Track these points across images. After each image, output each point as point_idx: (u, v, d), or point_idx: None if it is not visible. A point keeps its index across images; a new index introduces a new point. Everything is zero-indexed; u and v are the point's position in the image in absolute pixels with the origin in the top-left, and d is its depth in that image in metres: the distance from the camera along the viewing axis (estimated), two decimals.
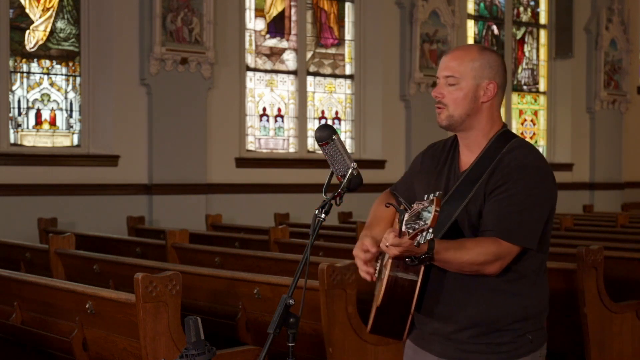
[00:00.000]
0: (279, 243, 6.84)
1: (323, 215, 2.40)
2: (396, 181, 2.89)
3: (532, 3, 12.85)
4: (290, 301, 2.32)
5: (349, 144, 10.73)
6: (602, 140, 12.97)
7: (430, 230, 2.11)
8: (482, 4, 12.22)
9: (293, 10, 10.44)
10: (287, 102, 10.43)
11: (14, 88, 8.66)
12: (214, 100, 9.48)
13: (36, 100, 8.81)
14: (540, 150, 12.74)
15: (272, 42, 10.35)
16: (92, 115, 8.96)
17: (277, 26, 10.35)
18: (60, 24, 8.91)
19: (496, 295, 2.52)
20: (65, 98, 8.95)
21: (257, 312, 4.55)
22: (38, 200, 8.42)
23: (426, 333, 2.62)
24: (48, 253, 6.05)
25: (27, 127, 8.76)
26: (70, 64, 8.97)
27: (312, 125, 10.53)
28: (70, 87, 8.96)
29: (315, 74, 10.67)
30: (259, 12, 10.22)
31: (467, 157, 2.62)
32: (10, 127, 8.61)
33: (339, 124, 10.82)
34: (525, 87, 12.85)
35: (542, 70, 12.95)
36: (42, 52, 8.83)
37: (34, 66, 8.80)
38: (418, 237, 2.13)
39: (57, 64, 8.90)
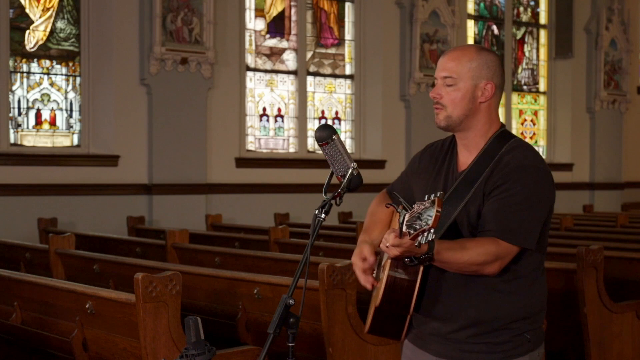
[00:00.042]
0: (279, 243, 6.84)
1: (323, 215, 2.41)
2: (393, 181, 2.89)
3: (532, 3, 12.85)
4: (290, 301, 2.32)
5: (349, 144, 10.73)
6: (602, 140, 12.97)
7: (432, 230, 2.11)
8: (482, 4, 12.22)
9: (293, 10, 10.44)
10: (287, 102, 10.43)
11: (14, 88, 8.66)
12: (214, 100, 9.48)
13: (36, 100, 8.81)
14: (540, 150, 12.76)
15: (272, 42, 10.35)
16: (92, 115, 8.96)
17: (277, 26, 10.36)
18: (60, 24, 8.91)
19: (494, 295, 2.52)
20: (65, 98, 8.95)
21: (257, 312, 4.55)
22: (38, 200, 8.42)
23: (424, 333, 2.62)
24: (48, 253, 6.05)
25: (27, 127, 8.76)
26: (70, 64, 8.97)
27: (312, 125, 10.53)
28: (70, 87, 8.96)
29: (315, 74, 10.67)
30: (259, 12, 10.22)
31: (466, 157, 2.63)
32: (10, 127, 8.61)
33: (339, 124, 10.82)
34: (525, 87, 12.85)
35: (542, 70, 12.96)
36: (42, 52, 8.83)
37: (34, 66, 8.80)
38: (419, 238, 2.13)
39: (57, 64, 8.90)
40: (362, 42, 10.83)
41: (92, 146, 8.97)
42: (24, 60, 8.74)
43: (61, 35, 8.92)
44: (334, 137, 2.44)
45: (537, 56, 12.92)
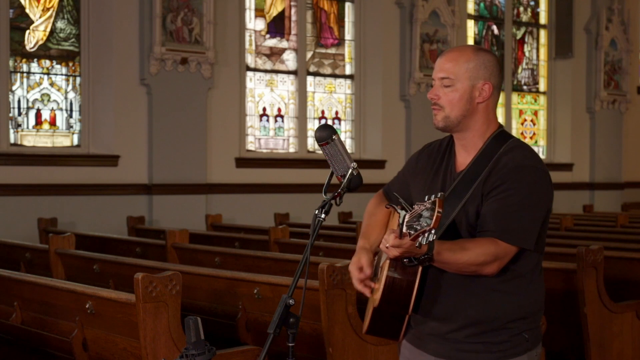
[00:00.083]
0: (279, 243, 6.84)
1: (323, 215, 2.41)
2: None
3: (532, 3, 12.85)
4: (290, 301, 2.33)
5: (349, 144, 10.74)
6: (602, 140, 12.97)
7: (433, 231, 2.11)
8: (482, 4, 12.22)
9: (293, 10, 10.44)
10: (287, 102, 10.43)
11: (14, 88, 8.66)
12: (214, 100, 9.48)
13: (36, 100, 8.81)
14: (540, 150, 12.76)
15: (272, 42, 10.35)
16: (92, 115, 8.96)
17: (277, 26, 10.36)
18: (60, 24, 8.91)
19: (493, 295, 2.53)
20: (65, 98, 8.95)
21: (257, 312, 4.55)
22: (38, 200, 8.43)
23: (423, 333, 2.63)
24: (48, 253, 6.05)
25: (27, 127, 8.76)
26: (70, 64, 8.97)
27: (312, 125, 10.53)
28: (70, 87, 8.96)
29: (315, 74, 10.67)
30: (259, 12, 10.22)
31: (464, 157, 2.63)
32: (10, 127, 8.61)
33: (339, 124, 10.82)
34: (525, 87, 12.84)
35: (542, 70, 12.95)
36: (42, 52, 8.83)
37: (34, 66, 8.80)
38: (419, 238, 2.13)
39: (57, 64, 8.90)
40: (362, 42, 10.83)
41: (92, 146, 8.97)
42: (24, 60, 8.74)
43: (61, 35, 8.92)
44: (334, 137, 2.45)
45: (537, 56, 12.91)
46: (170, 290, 3.76)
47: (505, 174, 2.50)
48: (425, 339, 2.63)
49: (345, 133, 10.81)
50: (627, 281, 5.50)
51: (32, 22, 8.77)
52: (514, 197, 2.47)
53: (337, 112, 10.83)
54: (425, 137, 2.88)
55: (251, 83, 10.13)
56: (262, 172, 9.92)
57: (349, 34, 10.88)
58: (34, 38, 8.79)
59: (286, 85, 10.41)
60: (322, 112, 10.72)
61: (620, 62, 12.90)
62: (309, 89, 10.60)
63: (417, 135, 10.56)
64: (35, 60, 8.80)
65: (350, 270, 2.59)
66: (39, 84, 8.82)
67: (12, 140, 8.62)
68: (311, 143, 10.47)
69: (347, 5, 10.86)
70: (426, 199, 2.16)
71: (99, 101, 8.95)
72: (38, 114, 8.82)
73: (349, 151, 2.48)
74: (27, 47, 8.75)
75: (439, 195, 2.15)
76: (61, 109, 8.93)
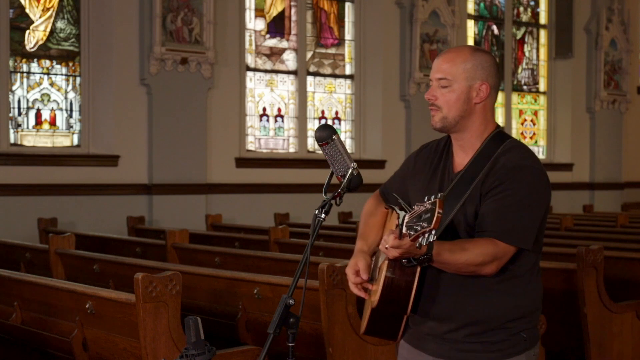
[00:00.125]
0: (279, 243, 6.84)
1: (323, 215, 2.41)
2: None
3: (532, 3, 12.85)
4: (290, 301, 2.33)
5: (349, 144, 10.74)
6: (602, 140, 12.97)
7: (433, 232, 2.11)
8: (482, 4, 12.22)
9: (293, 10, 10.44)
10: (287, 102, 10.43)
11: (14, 88, 8.66)
12: (214, 100, 9.48)
13: (36, 100, 8.81)
14: (540, 150, 12.77)
15: (272, 42, 10.35)
16: (92, 115, 8.96)
17: (277, 26, 10.36)
18: (60, 24, 8.91)
19: (491, 295, 2.53)
20: (65, 98, 8.95)
21: (257, 312, 4.55)
22: (38, 200, 8.43)
23: (421, 333, 2.63)
24: (48, 253, 6.05)
25: (27, 127, 8.76)
26: (70, 64, 8.97)
27: (312, 125, 10.53)
28: (70, 87, 8.96)
29: (315, 74, 10.67)
30: (259, 12, 10.22)
31: (461, 158, 2.63)
32: (10, 127, 8.61)
33: (339, 124, 10.82)
34: (525, 87, 12.84)
35: (542, 70, 12.96)
36: (42, 52, 8.83)
37: (34, 66, 8.81)
38: (420, 239, 2.13)
39: (57, 64, 8.90)
40: (362, 42, 10.83)
41: (92, 146, 8.97)
42: (24, 60, 8.74)
43: (61, 35, 8.92)
44: (334, 137, 2.45)
45: (537, 56, 12.92)
46: (170, 290, 3.76)
47: (503, 175, 2.50)
48: (423, 339, 2.63)
49: (345, 133, 10.81)
50: (627, 281, 5.50)
51: (32, 22, 8.77)
52: (512, 197, 2.47)
53: (337, 112, 10.83)
54: (425, 137, 2.88)
55: (251, 83, 10.13)
56: (262, 172, 9.92)
57: (349, 34, 10.88)
58: (34, 38, 8.79)
59: (286, 85, 10.41)
60: (322, 112, 10.72)
61: (620, 62, 12.91)
62: (309, 89, 10.60)
63: (417, 135, 10.56)
64: (35, 60, 8.80)
65: (347, 272, 2.60)
66: (39, 84, 8.82)
67: (12, 140, 8.62)
68: (311, 143, 10.47)
69: (347, 5, 10.86)
70: (426, 200, 2.16)
71: (99, 101, 8.95)
72: (38, 114, 8.82)
73: (349, 151, 2.48)
74: (27, 47, 8.76)
75: (439, 196, 2.15)
76: (61, 109, 8.93)
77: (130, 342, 3.91)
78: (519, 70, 12.74)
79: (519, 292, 2.56)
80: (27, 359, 4.71)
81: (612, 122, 13.03)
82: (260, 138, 10.23)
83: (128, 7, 8.86)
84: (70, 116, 8.97)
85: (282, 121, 10.38)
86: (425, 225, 2.11)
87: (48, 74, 8.85)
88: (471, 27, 12.04)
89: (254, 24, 10.16)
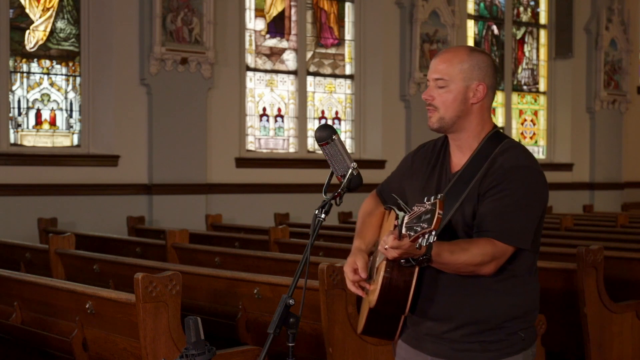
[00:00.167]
0: (279, 243, 6.84)
1: (323, 215, 2.41)
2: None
3: (532, 3, 12.85)
4: (290, 301, 2.33)
5: (349, 144, 10.74)
6: (602, 140, 12.97)
7: (433, 232, 2.11)
8: (482, 4, 12.22)
9: (293, 10, 10.44)
10: (287, 102, 10.43)
11: (14, 88, 8.66)
12: (214, 100, 9.48)
13: (36, 100, 8.81)
14: (540, 150, 12.77)
15: (272, 42, 10.35)
16: (92, 115, 8.96)
17: (277, 26, 10.36)
18: (60, 24, 8.91)
19: (489, 295, 2.54)
20: (65, 98, 8.95)
21: (257, 312, 4.55)
22: (38, 200, 8.42)
23: (419, 333, 2.64)
24: (48, 253, 6.05)
25: (27, 127, 8.76)
26: (70, 64, 8.97)
27: (312, 125, 10.53)
28: (70, 87, 8.96)
29: (315, 74, 10.67)
30: (259, 12, 10.22)
31: (459, 158, 2.64)
32: (10, 127, 8.61)
33: (339, 124, 10.82)
34: (525, 87, 12.84)
35: (542, 70, 12.96)
36: (42, 52, 8.83)
37: (34, 66, 8.81)
38: (420, 240, 2.13)
39: (57, 64, 8.90)
40: (362, 42, 10.83)
41: (92, 146, 8.97)
42: (24, 60, 8.74)
43: (61, 35, 8.92)
44: (334, 137, 2.45)
45: (537, 56, 12.92)
46: (170, 290, 3.76)
47: (501, 175, 2.51)
48: (422, 339, 2.64)
49: (345, 133, 10.81)
50: (627, 281, 5.50)
51: (32, 22, 8.77)
52: (510, 197, 2.48)
53: (337, 112, 10.83)
54: (425, 137, 2.88)
55: (251, 83, 10.13)
56: (262, 172, 9.92)
57: (349, 34, 10.88)
58: (34, 38, 8.79)
59: (286, 85, 10.41)
60: (322, 112, 10.72)
61: (620, 62, 12.90)
62: (309, 89, 10.60)
63: (417, 135, 10.56)
64: (35, 60, 8.80)
65: (345, 271, 2.60)
66: (39, 84, 8.82)
67: (12, 140, 8.62)
68: (311, 143, 10.47)
69: (347, 5, 10.86)
70: (425, 200, 2.16)
71: (99, 101, 8.95)
72: (38, 114, 8.82)
73: (349, 151, 2.49)
74: (27, 47, 8.76)
75: (439, 196, 2.15)
76: (61, 109, 8.93)
77: (130, 342, 3.91)
78: (519, 70, 12.74)
79: (517, 291, 2.57)
80: (27, 359, 4.71)
81: (612, 122, 13.03)
82: (260, 138, 10.23)
83: (128, 7, 8.86)
84: (70, 116, 8.97)
85: (282, 121, 10.38)
86: (426, 226, 2.11)
87: (48, 74, 8.86)
88: (471, 27, 12.04)
89: (254, 24, 10.16)
